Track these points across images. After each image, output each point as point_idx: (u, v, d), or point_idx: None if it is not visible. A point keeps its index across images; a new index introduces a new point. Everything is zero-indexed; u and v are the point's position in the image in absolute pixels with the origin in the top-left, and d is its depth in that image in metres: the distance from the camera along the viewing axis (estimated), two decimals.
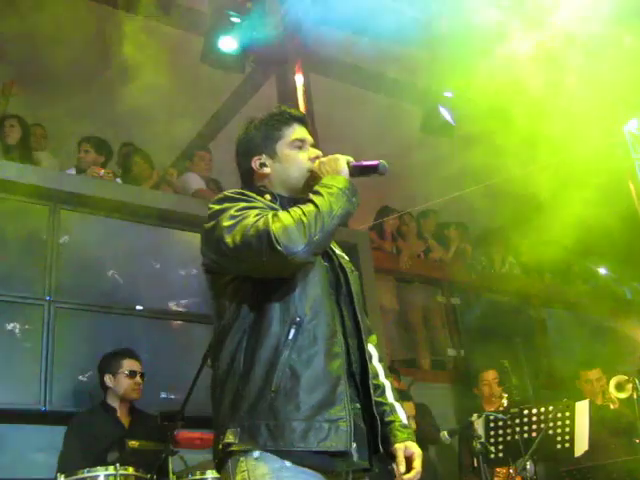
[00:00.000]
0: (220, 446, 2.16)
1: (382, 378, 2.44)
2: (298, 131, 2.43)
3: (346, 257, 2.51)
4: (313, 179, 2.34)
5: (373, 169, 2.33)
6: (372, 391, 2.30)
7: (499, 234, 9.77)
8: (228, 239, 2.14)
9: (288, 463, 2.08)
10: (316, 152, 2.41)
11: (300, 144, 2.41)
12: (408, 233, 7.94)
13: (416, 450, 2.35)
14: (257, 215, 2.15)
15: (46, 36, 6.52)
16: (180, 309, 5.71)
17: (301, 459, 2.10)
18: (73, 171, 6.02)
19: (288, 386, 2.11)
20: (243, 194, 2.31)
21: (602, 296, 9.57)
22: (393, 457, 2.35)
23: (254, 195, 2.32)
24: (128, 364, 4.51)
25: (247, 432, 2.11)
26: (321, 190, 2.20)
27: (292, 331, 2.15)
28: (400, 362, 7.00)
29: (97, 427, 4.32)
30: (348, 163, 2.30)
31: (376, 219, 7.55)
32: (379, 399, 2.40)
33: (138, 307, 5.50)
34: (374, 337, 2.55)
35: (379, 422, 2.29)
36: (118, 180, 6.06)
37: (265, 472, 2.08)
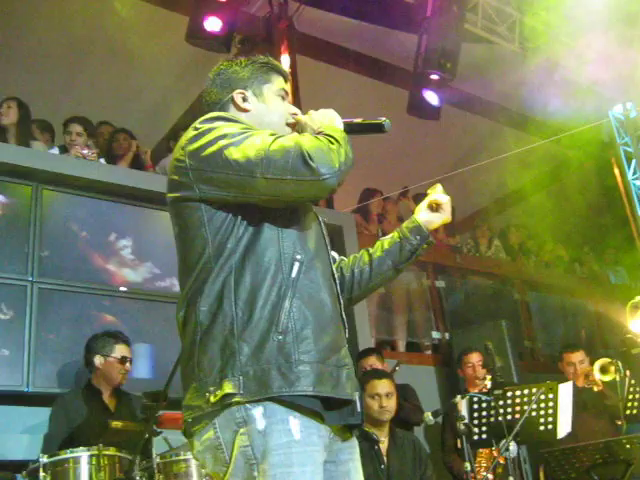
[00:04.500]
0: (212, 398, 1.92)
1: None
2: (284, 82, 2.36)
3: None
4: (295, 131, 2.24)
5: (377, 127, 2.22)
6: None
7: (486, 216, 9.83)
8: (237, 154, 1.95)
9: (297, 434, 1.90)
10: (295, 109, 2.34)
11: (284, 95, 2.34)
12: (392, 215, 7.91)
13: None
14: (273, 134, 2.00)
15: (26, 13, 6.45)
16: (164, 289, 5.68)
17: (313, 409, 1.93)
18: (56, 150, 5.95)
19: (297, 327, 1.96)
20: (235, 119, 2.15)
21: (586, 280, 9.64)
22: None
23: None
24: (120, 349, 4.49)
25: (254, 379, 1.90)
26: (331, 133, 2.05)
27: (295, 269, 2.01)
28: (384, 344, 7.01)
29: (83, 409, 4.30)
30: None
31: (360, 201, 7.51)
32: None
33: (122, 288, 5.48)
34: None
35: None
36: (102, 160, 6.00)
37: (273, 446, 1.89)
